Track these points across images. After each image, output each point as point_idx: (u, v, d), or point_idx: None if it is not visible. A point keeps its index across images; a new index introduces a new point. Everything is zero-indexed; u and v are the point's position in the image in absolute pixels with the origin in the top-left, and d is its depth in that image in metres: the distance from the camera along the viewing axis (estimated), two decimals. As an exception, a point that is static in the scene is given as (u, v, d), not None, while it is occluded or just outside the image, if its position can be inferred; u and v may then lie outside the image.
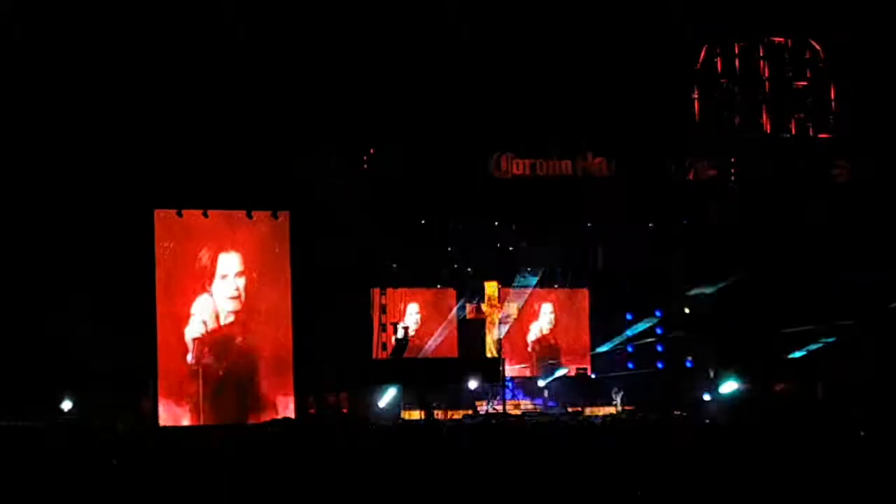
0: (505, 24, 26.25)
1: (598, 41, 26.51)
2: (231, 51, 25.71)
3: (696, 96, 28.10)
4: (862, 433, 16.43)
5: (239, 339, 27.54)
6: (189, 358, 27.12)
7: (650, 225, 30.20)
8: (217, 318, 27.52)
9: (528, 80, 26.45)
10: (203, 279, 27.51)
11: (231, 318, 27.55)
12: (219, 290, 27.59)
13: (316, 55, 26.12)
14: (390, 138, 27.28)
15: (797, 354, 28.58)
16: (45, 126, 25.57)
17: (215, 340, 27.41)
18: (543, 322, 34.11)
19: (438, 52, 26.26)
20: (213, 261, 27.49)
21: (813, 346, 28.35)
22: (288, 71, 26.01)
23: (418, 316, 32.21)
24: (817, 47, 28.32)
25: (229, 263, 27.64)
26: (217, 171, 26.13)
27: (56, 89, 25.42)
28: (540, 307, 34.08)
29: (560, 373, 31.78)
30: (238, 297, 27.62)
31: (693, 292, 30.43)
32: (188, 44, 25.67)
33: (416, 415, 28.46)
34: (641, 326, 32.00)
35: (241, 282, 27.69)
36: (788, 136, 28.16)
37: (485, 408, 29.50)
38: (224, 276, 27.55)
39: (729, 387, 28.74)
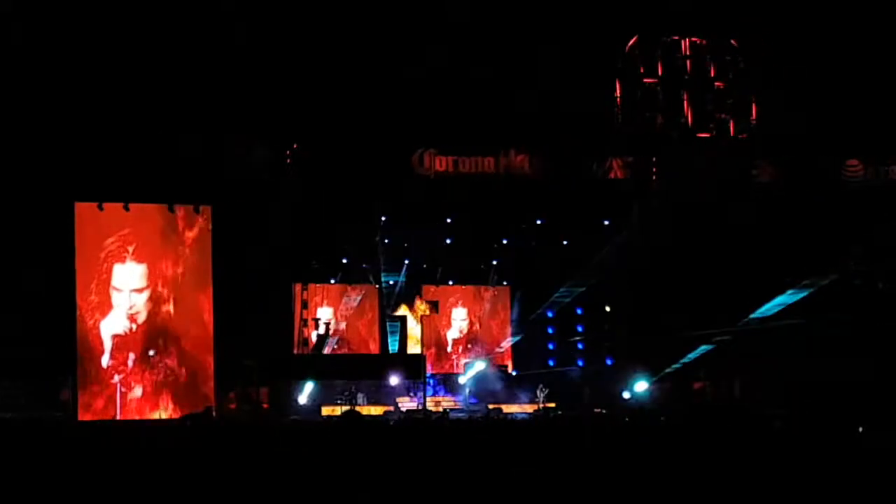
0: (428, 20, 26.29)
1: (521, 38, 26.62)
2: (159, 44, 25.59)
3: (618, 95, 28.29)
4: (777, 424, 16.73)
5: (158, 336, 27.24)
6: (105, 358, 26.75)
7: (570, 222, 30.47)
8: (133, 317, 27.18)
9: (451, 77, 26.51)
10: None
11: (134, 327, 27.15)
12: (116, 302, 27.17)
13: (241, 51, 26.04)
14: (313, 134, 27.20)
15: (690, 357, 28.98)
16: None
17: (132, 339, 27.07)
18: (462, 319, 34.31)
19: (360, 48, 26.26)
20: (109, 270, 26.95)
21: (705, 348, 28.78)
22: (212, 66, 25.90)
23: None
24: (738, 48, 28.59)
25: (125, 277, 27.10)
26: (139, 166, 25.91)
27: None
28: (459, 305, 34.29)
29: (477, 368, 31.85)
30: (136, 313, 27.09)
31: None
32: (114, 37, 25.51)
33: (336, 410, 28.44)
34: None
35: (141, 298, 27.18)
36: (709, 135, 28.41)
37: (406, 404, 29.54)
38: (119, 291, 27.04)
39: (641, 386, 29.12)
